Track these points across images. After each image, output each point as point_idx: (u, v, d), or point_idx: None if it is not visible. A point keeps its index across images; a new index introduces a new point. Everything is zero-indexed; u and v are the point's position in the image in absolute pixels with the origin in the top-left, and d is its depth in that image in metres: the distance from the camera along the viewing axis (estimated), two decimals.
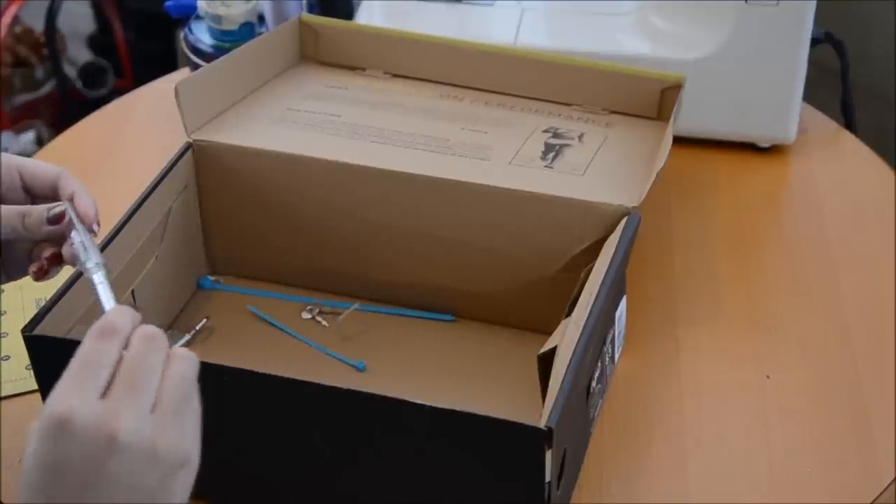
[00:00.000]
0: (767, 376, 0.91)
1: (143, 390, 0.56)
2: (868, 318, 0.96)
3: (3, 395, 0.90)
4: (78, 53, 2.29)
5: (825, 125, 1.21)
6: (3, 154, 0.78)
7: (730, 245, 1.04)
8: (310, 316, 0.96)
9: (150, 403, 0.56)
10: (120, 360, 0.57)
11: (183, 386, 0.58)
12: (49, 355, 0.78)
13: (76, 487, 0.54)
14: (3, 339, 0.95)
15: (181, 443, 0.57)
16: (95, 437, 0.54)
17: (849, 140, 1.20)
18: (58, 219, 0.76)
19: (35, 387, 0.88)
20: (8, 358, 0.92)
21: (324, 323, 0.95)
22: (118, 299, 0.86)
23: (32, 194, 0.79)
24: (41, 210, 0.76)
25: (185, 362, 0.59)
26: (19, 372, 0.91)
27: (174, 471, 0.56)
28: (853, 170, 1.15)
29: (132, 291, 0.88)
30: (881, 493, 0.82)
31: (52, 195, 0.78)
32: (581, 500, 0.81)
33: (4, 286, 0.99)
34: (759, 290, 0.99)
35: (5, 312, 0.97)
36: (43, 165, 0.79)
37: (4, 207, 0.76)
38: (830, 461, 0.84)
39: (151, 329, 0.59)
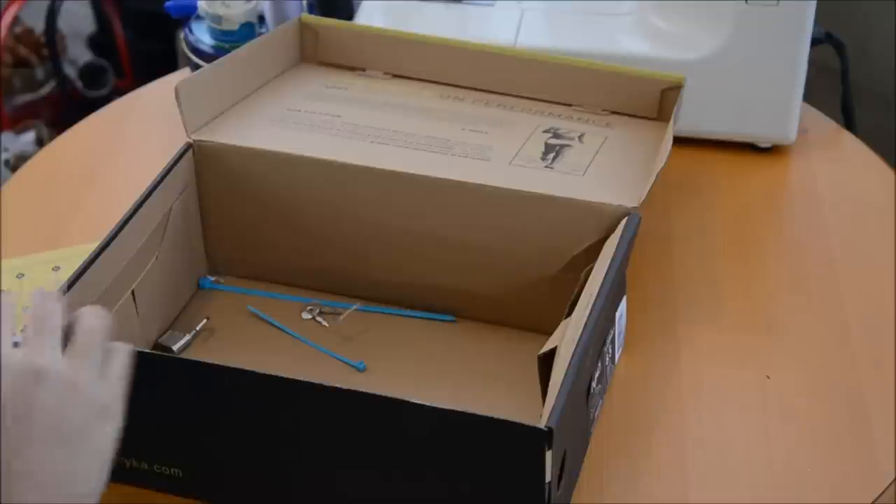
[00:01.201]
0: (767, 376, 0.91)
1: (49, 331, 0.61)
2: (868, 318, 0.96)
3: None
4: (78, 53, 2.29)
5: (825, 125, 1.21)
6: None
7: (730, 245, 1.04)
8: (310, 316, 0.96)
9: (59, 344, 0.60)
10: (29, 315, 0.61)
11: (91, 335, 0.61)
12: None
13: (8, 420, 0.57)
14: None
15: (99, 387, 0.60)
16: (22, 370, 0.59)
17: (849, 140, 1.20)
18: None
19: None
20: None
21: (324, 323, 0.95)
22: (118, 299, 0.87)
23: None
24: None
25: (92, 316, 0.63)
26: None
27: (96, 415, 0.59)
28: (853, 170, 1.15)
29: (132, 291, 0.88)
30: (881, 493, 0.82)
31: None
32: (581, 500, 0.81)
33: (4, 286, 0.99)
34: (759, 290, 0.99)
35: None
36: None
37: None
38: (830, 461, 0.84)
39: (46, 290, 0.64)
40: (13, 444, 0.57)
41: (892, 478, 0.83)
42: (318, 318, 0.95)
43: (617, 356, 0.91)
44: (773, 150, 1.15)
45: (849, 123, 1.24)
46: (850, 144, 1.19)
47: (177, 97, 0.91)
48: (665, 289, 0.99)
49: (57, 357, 0.60)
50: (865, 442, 0.85)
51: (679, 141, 1.02)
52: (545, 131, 0.97)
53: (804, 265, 1.02)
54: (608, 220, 0.86)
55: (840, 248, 1.04)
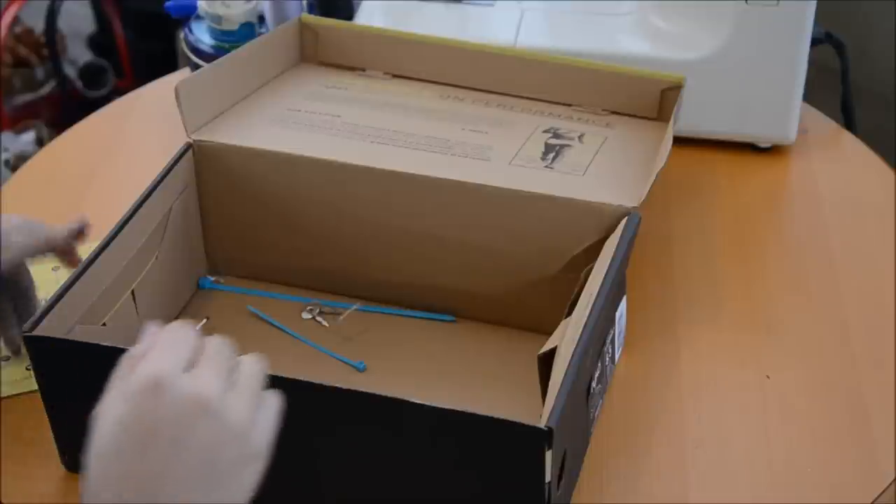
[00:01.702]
0: (767, 376, 0.91)
1: (224, 369, 0.60)
2: (868, 318, 0.96)
3: (3, 395, 0.90)
4: (78, 53, 2.29)
5: (825, 125, 1.21)
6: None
7: (730, 245, 1.04)
8: (310, 316, 0.96)
9: (229, 383, 0.60)
10: (200, 346, 0.61)
11: (254, 379, 0.61)
12: (49, 356, 0.78)
13: (166, 446, 0.56)
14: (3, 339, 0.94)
15: (254, 431, 0.60)
16: (189, 398, 0.57)
17: (849, 140, 1.20)
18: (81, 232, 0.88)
19: (35, 387, 0.88)
20: (8, 358, 0.92)
21: (324, 323, 0.95)
22: (118, 299, 0.87)
23: None
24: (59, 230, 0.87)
25: (254, 361, 0.63)
26: (19, 372, 0.91)
27: (249, 456, 0.59)
28: (853, 170, 1.15)
29: (132, 291, 0.88)
30: (881, 493, 0.82)
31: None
32: (581, 500, 0.81)
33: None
34: (759, 290, 0.99)
35: None
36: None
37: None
38: (830, 461, 0.84)
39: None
40: (164, 470, 0.56)
41: (892, 478, 0.83)
42: (318, 318, 0.95)
43: (617, 356, 0.91)
44: (773, 150, 1.15)
45: (849, 123, 1.24)
46: (850, 144, 1.19)
47: (177, 97, 0.91)
48: (665, 289, 0.99)
49: (223, 394, 0.59)
50: (865, 442, 0.85)
51: (679, 141, 1.02)
52: (545, 131, 0.97)
53: (804, 265, 1.02)
54: (608, 219, 0.86)
55: (840, 248, 1.04)
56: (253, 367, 0.62)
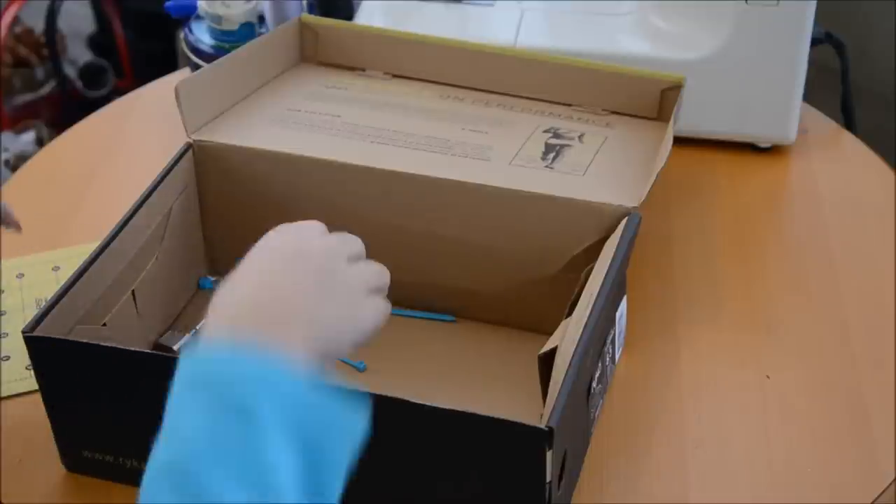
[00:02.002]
0: (767, 376, 0.91)
1: (352, 251, 0.69)
2: (868, 318, 0.96)
3: (3, 395, 0.90)
4: (78, 53, 2.29)
5: (825, 125, 1.21)
6: None
7: (730, 245, 1.04)
8: None
9: (354, 261, 0.68)
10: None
11: (374, 280, 0.69)
12: (49, 356, 0.78)
13: (313, 270, 0.64)
14: (3, 339, 0.94)
15: (374, 309, 0.67)
16: (331, 242, 0.67)
17: (849, 140, 1.20)
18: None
19: (35, 387, 0.88)
20: (8, 358, 0.92)
21: None
22: (118, 299, 0.87)
23: None
24: None
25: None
26: (19, 372, 0.91)
27: (378, 314, 0.67)
28: (853, 170, 1.15)
29: (132, 291, 0.88)
30: (881, 493, 0.82)
31: None
32: (581, 500, 0.81)
33: (4, 286, 0.99)
34: (759, 290, 0.99)
35: (5, 312, 0.97)
36: None
37: None
38: (830, 461, 0.84)
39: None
40: (319, 298, 0.63)
41: (892, 478, 0.83)
42: None
43: (617, 356, 0.91)
44: (773, 150, 1.15)
45: (849, 123, 1.24)
46: (850, 144, 1.19)
47: (177, 97, 0.91)
48: (665, 289, 0.99)
49: (342, 250, 0.68)
50: (865, 442, 0.85)
51: (679, 141, 1.02)
52: (545, 131, 0.97)
53: (804, 265, 1.02)
54: (608, 219, 0.86)
55: (840, 248, 1.04)
56: (378, 268, 0.71)
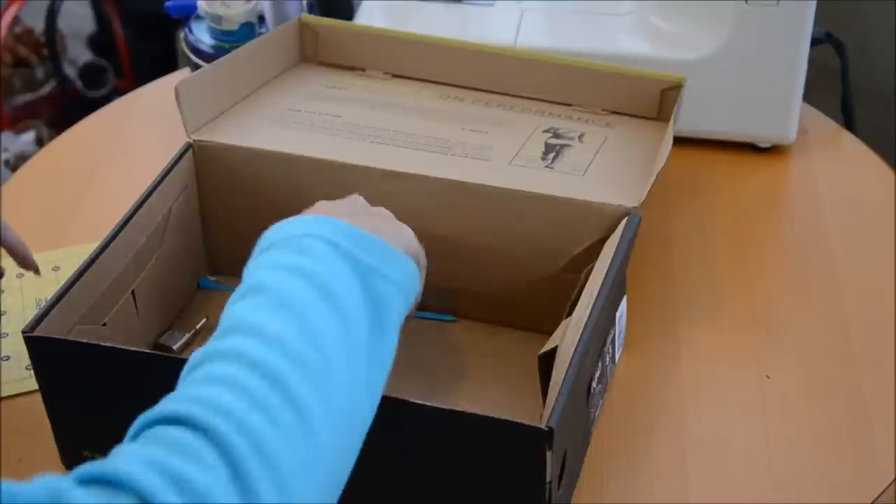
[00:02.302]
0: (767, 376, 0.91)
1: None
2: (868, 317, 0.96)
3: (3, 395, 0.90)
4: (78, 53, 2.29)
5: (825, 125, 1.21)
6: None
7: (730, 245, 1.04)
8: None
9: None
10: None
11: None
12: (50, 356, 0.78)
13: (363, 213, 0.73)
14: (3, 339, 0.94)
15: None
16: (378, 210, 0.76)
17: (849, 140, 1.20)
18: None
19: (35, 387, 0.88)
20: (8, 358, 0.92)
21: None
22: (118, 299, 0.87)
23: None
24: None
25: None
26: (19, 372, 0.91)
27: (416, 263, 0.72)
28: (853, 170, 1.15)
29: (132, 291, 0.88)
30: (881, 493, 0.82)
31: None
32: (581, 500, 0.81)
33: (4, 286, 0.99)
34: (759, 290, 0.99)
35: (5, 312, 0.97)
36: None
37: None
38: (830, 461, 0.84)
39: None
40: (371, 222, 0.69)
41: (892, 478, 0.83)
42: None
43: (617, 356, 0.91)
44: (773, 150, 1.15)
45: (849, 123, 1.24)
46: (850, 144, 1.19)
47: (177, 97, 0.91)
48: (665, 289, 0.99)
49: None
50: (865, 442, 0.85)
51: (679, 141, 1.02)
52: (545, 131, 0.97)
53: (804, 265, 1.02)
54: (608, 219, 0.86)
55: (840, 248, 1.04)
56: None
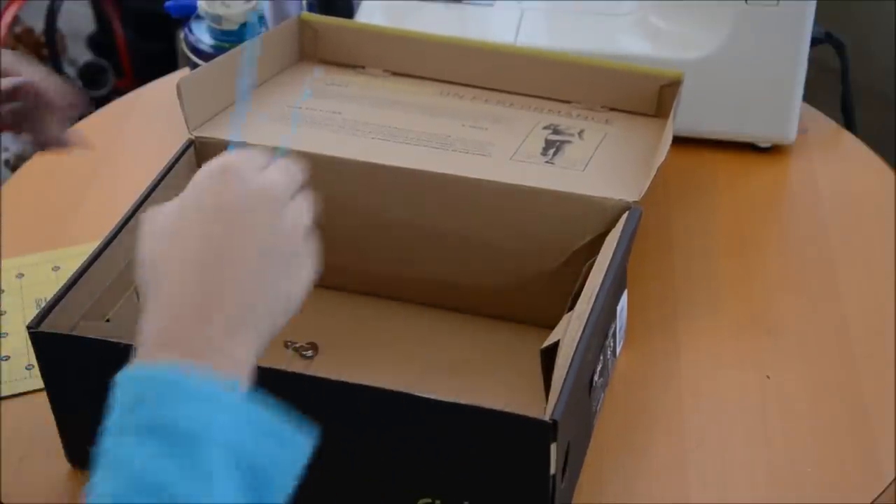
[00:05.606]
0: (767, 376, 0.91)
1: (293, 183, 0.63)
2: (868, 318, 0.96)
3: (3, 395, 0.90)
4: (78, 53, 2.29)
5: (825, 125, 1.21)
6: None
7: (730, 245, 1.04)
8: None
9: (294, 195, 0.63)
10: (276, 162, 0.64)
11: (310, 210, 0.64)
12: (54, 352, 0.78)
13: (231, 222, 0.59)
14: (2, 339, 0.94)
15: (312, 245, 0.63)
16: (256, 187, 0.60)
17: (849, 140, 1.20)
18: (15, 94, 0.75)
19: (35, 387, 0.88)
20: (8, 358, 0.92)
21: None
22: (118, 299, 0.87)
23: None
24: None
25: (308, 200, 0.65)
26: (19, 372, 0.91)
27: (303, 257, 0.62)
28: (853, 170, 1.15)
29: (135, 288, 0.88)
30: (881, 493, 0.82)
31: None
32: (581, 500, 0.81)
33: (4, 286, 0.99)
34: (759, 290, 0.99)
35: (5, 312, 0.97)
36: None
37: None
38: (830, 461, 0.84)
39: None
40: (225, 244, 0.59)
41: (892, 478, 0.83)
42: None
43: (618, 350, 0.91)
44: (773, 150, 1.15)
45: (849, 123, 1.24)
46: (850, 144, 1.19)
47: (178, 94, 0.91)
48: (665, 289, 0.99)
49: (287, 196, 0.62)
50: (865, 442, 0.85)
51: (679, 141, 1.02)
52: (545, 127, 0.97)
53: (804, 265, 1.02)
54: (609, 214, 0.86)
55: (840, 248, 1.04)
56: (310, 197, 0.64)
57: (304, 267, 0.62)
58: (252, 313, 0.58)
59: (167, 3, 1.25)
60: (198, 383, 0.54)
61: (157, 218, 0.61)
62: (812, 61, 1.11)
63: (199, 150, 0.93)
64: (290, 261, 0.61)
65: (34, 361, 0.80)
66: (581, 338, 0.74)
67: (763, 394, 0.89)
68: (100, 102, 1.38)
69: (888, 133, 1.50)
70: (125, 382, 0.55)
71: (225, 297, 0.58)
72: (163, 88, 1.27)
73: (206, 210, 0.60)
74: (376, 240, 0.94)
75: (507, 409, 0.69)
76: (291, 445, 0.56)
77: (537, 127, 0.97)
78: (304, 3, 1.23)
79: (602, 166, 0.92)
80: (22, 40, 2.13)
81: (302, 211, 0.63)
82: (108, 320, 0.84)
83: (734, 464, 0.84)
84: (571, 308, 0.80)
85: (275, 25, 1.18)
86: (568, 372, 0.72)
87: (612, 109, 1.01)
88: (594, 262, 0.83)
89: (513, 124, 0.98)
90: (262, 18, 1.21)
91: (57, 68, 2.09)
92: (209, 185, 0.61)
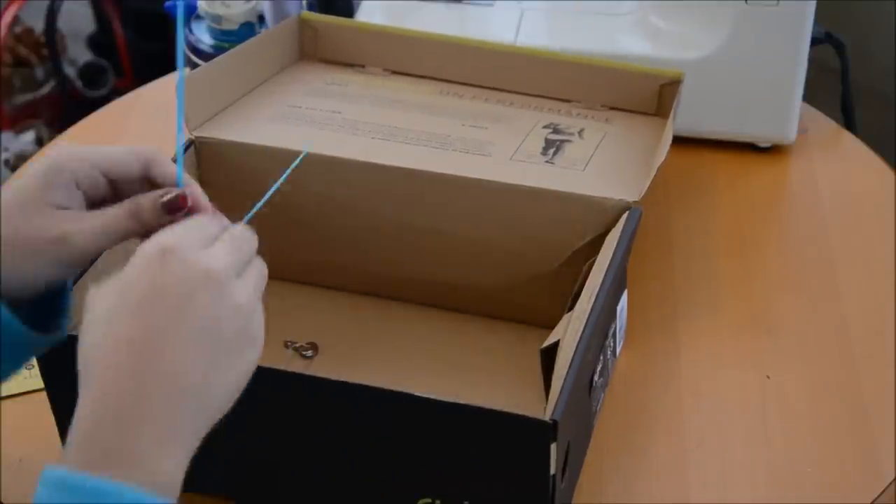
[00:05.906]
0: (767, 376, 0.91)
1: (239, 255, 0.60)
2: (868, 318, 0.96)
3: (2, 395, 0.89)
4: (78, 53, 2.29)
5: (825, 125, 1.21)
6: (77, 149, 0.69)
7: (730, 245, 1.04)
8: None
9: (239, 269, 0.59)
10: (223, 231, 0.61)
11: (261, 279, 0.62)
12: (54, 352, 0.78)
13: (167, 309, 0.56)
14: None
15: (260, 324, 0.60)
16: (197, 268, 0.57)
17: (849, 140, 1.20)
18: (179, 205, 0.67)
19: (35, 387, 0.88)
20: None
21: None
22: None
23: (113, 182, 0.70)
24: (152, 200, 0.67)
25: (262, 265, 0.63)
26: (19, 372, 0.91)
27: (249, 338, 0.59)
28: (853, 170, 1.15)
29: None
30: (881, 493, 0.82)
31: (137, 178, 0.70)
32: (581, 499, 0.81)
33: None
34: (759, 290, 0.99)
35: None
36: (120, 151, 0.69)
37: (110, 214, 0.68)
38: (830, 461, 0.84)
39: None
40: (164, 334, 0.56)
41: (892, 478, 0.83)
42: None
43: (618, 350, 0.91)
44: (773, 150, 1.15)
45: (849, 123, 1.24)
46: (850, 144, 1.19)
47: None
48: (665, 289, 0.99)
49: (232, 273, 0.59)
50: (865, 442, 0.85)
51: (679, 140, 1.02)
52: (545, 127, 0.97)
53: (804, 265, 1.02)
54: (609, 214, 0.86)
55: (840, 248, 1.04)
56: (262, 269, 0.62)
57: (250, 347, 0.59)
58: (185, 414, 0.56)
59: (167, 3, 1.25)
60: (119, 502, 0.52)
61: (96, 301, 0.58)
62: (812, 61, 1.11)
63: (199, 150, 0.93)
64: (233, 345, 0.58)
65: (34, 361, 0.80)
66: (581, 338, 0.74)
67: (763, 394, 0.89)
68: (100, 102, 1.38)
69: (888, 133, 1.51)
70: (50, 483, 0.54)
71: (156, 400, 0.55)
72: (163, 88, 1.28)
73: (141, 295, 0.57)
74: (376, 240, 0.94)
75: (507, 409, 0.69)
76: None
77: (537, 126, 0.97)
78: (304, 2, 1.23)
79: (602, 166, 0.92)
80: (22, 40, 2.14)
81: (249, 287, 0.59)
82: None
83: (734, 464, 0.84)
84: (571, 308, 0.80)
85: (275, 25, 1.19)
86: (568, 372, 0.72)
87: (612, 108, 1.01)
88: (594, 262, 0.83)
89: (512, 123, 0.98)
90: (262, 19, 1.21)
91: (57, 68, 2.09)
92: (146, 267, 0.57)
